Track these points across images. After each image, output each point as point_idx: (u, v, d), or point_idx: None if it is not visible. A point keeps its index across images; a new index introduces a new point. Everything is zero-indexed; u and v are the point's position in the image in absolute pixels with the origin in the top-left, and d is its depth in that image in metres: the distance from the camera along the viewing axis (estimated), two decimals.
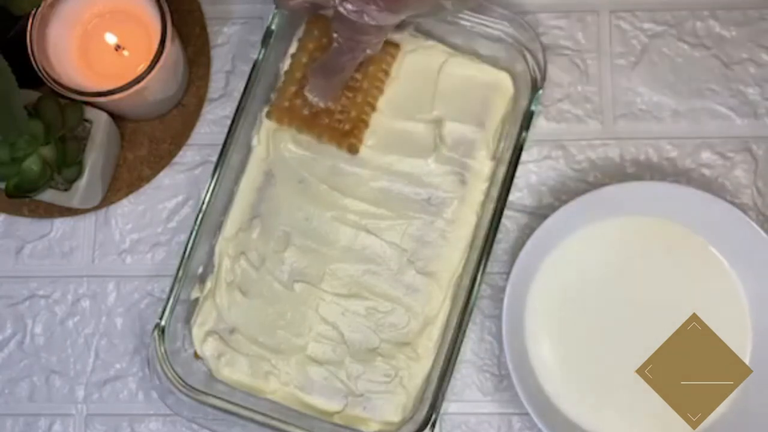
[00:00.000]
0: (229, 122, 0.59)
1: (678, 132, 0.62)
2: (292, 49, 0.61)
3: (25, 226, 0.63)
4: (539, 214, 0.61)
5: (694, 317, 0.58)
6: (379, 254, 0.59)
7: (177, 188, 0.64)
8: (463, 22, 0.60)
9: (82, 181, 0.58)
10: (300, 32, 0.61)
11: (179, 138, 0.64)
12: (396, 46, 0.61)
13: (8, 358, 0.62)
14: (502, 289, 0.57)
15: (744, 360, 0.58)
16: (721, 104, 0.63)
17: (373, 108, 0.60)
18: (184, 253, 0.57)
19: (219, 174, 0.58)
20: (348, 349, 0.58)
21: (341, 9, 0.50)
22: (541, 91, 0.58)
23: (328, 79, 0.58)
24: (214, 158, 0.58)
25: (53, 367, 0.62)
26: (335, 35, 0.55)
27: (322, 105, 0.59)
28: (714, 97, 0.63)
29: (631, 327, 0.59)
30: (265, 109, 0.60)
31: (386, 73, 0.61)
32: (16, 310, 0.63)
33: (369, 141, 0.60)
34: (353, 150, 0.59)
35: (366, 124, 0.60)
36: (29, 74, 0.55)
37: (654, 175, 0.62)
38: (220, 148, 0.58)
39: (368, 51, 0.57)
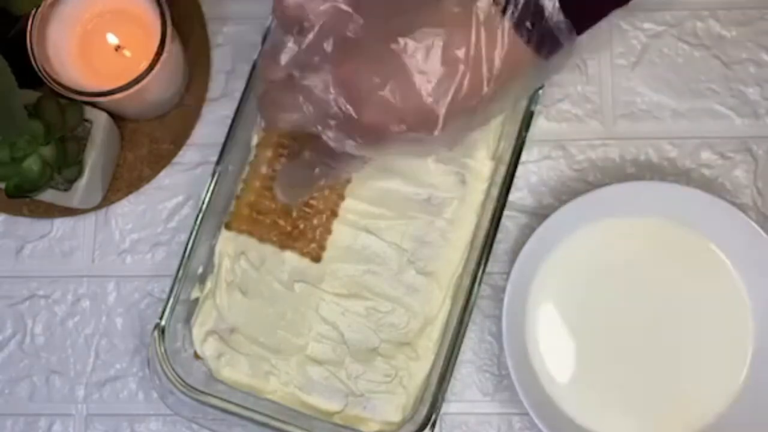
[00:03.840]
0: (229, 122, 0.59)
1: (678, 132, 0.62)
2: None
3: (25, 226, 0.63)
4: (539, 214, 0.61)
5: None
6: (379, 254, 0.59)
7: (177, 188, 0.64)
8: None
9: (82, 181, 0.58)
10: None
11: (179, 138, 0.64)
12: None
13: (8, 358, 0.62)
14: (502, 289, 0.57)
15: (746, 359, 0.58)
16: (721, 104, 0.63)
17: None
18: (184, 253, 0.57)
19: (219, 174, 0.58)
20: (348, 349, 0.58)
21: (323, 136, 0.48)
22: (541, 91, 0.58)
23: (295, 186, 0.56)
24: (214, 158, 0.58)
25: (53, 367, 0.62)
26: (307, 152, 0.52)
27: (289, 203, 0.58)
28: (714, 97, 0.63)
29: (632, 327, 0.59)
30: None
31: None
32: (16, 310, 0.63)
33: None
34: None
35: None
36: (29, 74, 0.55)
37: (654, 175, 0.62)
38: (220, 148, 0.58)
39: (342, 176, 0.56)
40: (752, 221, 0.57)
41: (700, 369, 0.58)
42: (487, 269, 0.57)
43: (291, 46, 0.47)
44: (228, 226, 0.59)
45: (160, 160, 0.63)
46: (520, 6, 0.44)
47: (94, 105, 0.58)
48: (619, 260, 0.59)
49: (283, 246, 0.59)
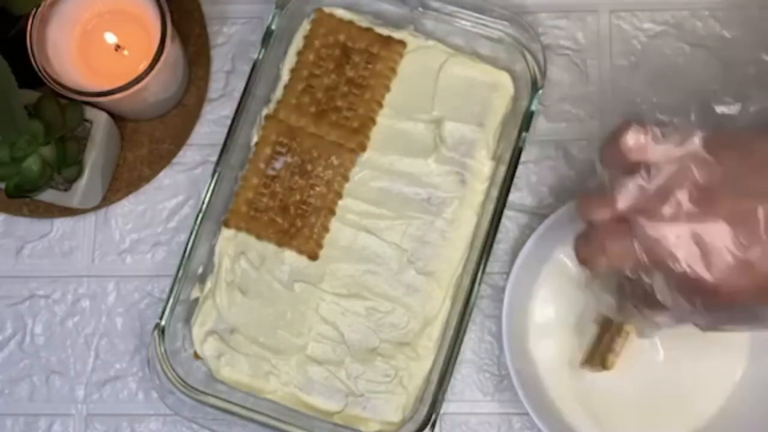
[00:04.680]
0: (229, 122, 0.59)
1: None
2: (299, 47, 0.61)
3: (25, 226, 0.63)
4: (539, 214, 0.61)
5: None
6: (379, 254, 0.59)
7: (177, 188, 0.64)
8: (463, 22, 0.60)
9: (82, 181, 0.58)
10: (305, 30, 0.61)
11: (179, 138, 0.64)
12: (403, 44, 0.61)
13: (8, 358, 0.62)
14: (502, 289, 0.57)
15: (742, 359, 0.58)
16: (720, 104, 0.62)
17: (380, 105, 0.60)
18: (184, 253, 0.57)
19: (219, 174, 0.58)
20: (348, 349, 0.58)
21: (655, 286, 0.43)
22: (541, 91, 0.58)
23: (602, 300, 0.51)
24: (214, 158, 0.58)
25: (53, 367, 0.62)
26: (626, 284, 0.47)
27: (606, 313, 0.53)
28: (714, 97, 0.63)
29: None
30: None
31: (393, 71, 0.61)
32: (16, 310, 0.63)
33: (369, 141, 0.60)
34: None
35: (373, 121, 0.60)
36: (29, 74, 0.55)
37: None
38: (220, 148, 0.58)
39: (645, 326, 0.50)
40: None
41: (699, 368, 0.58)
42: (487, 269, 0.57)
43: (631, 189, 0.44)
44: (226, 223, 0.59)
45: (160, 160, 0.63)
46: None
47: (94, 105, 0.58)
48: None
49: (280, 243, 0.59)
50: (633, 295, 0.47)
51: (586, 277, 0.51)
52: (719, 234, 0.42)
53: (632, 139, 0.44)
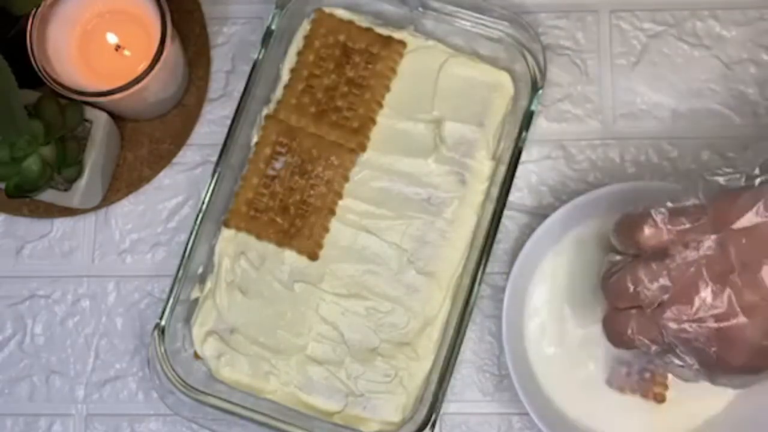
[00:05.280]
0: (229, 122, 0.59)
1: (678, 132, 0.62)
2: (299, 47, 0.61)
3: (25, 226, 0.63)
4: (539, 214, 0.61)
5: None
6: (379, 254, 0.59)
7: (177, 188, 0.64)
8: (463, 22, 0.60)
9: (82, 181, 0.58)
10: (305, 30, 0.61)
11: (179, 138, 0.64)
12: (403, 44, 0.61)
13: (8, 358, 0.62)
14: (502, 289, 0.57)
15: None
16: (721, 104, 0.63)
17: (380, 105, 0.60)
18: (184, 253, 0.57)
19: (219, 174, 0.58)
20: (348, 349, 0.58)
21: (675, 358, 0.48)
22: (541, 91, 0.58)
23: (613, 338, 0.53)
24: (214, 158, 0.58)
25: (53, 367, 0.62)
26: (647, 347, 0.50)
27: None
28: (714, 97, 0.63)
29: None
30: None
31: (393, 71, 0.61)
32: (16, 310, 0.63)
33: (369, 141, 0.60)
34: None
35: (373, 121, 0.60)
36: (29, 74, 0.55)
37: (654, 175, 0.62)
38: (220, 148, 0.58)
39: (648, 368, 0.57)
40: None
41: None
42: (487, 269, 0.57)
43: (654, 288, 0.47)
44: (226, 223, 0.59)
45: (160, 160, 0.63)
46: None
47: (94, 105, 0.58)
48: None
49: (280, 243, 0.59)
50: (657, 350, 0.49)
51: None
52: (741, 328, 0.45)
53: (649, 231, 0.47)
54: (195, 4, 0.65)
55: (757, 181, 0.45)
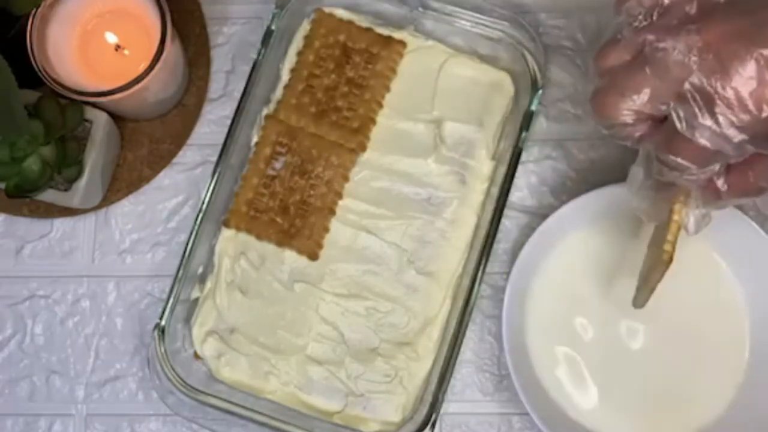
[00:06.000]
0: (229, 122, 0.59)
1: None
2: (299, 47, 0.61)
3: (25, 226, 0.63)
4: (539, 214, 0.61)
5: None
6: (379, 254, 0.59)
7: (177, 188, 0.64)
8: (463, 22, 0.60)
9: (82, 181, 0.58)
10: (305, 30, 0.61)
11: (179, 138, 0.64)
12: (403, 44, 0.61)
13: (8, 358, 0.62)
14: (502, 289, 0.57)
15: (743, 360, 0.58)
16: None
17: (380, 105, 0.60)
18: (184, 253, 0.57)
19: (219, 174, 0.58)
20: (348, 349, 0.58)
21: (673, 115, 0.41)
22: (541, 91, 0.58)
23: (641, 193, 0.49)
24: (214, 158, 0.58)
25: (53, 367, 0.62)
26: (654, 153, 0.45)
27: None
28: None
29: (631, 327, 0.59)
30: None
31: (393, 71, 0.61)
32: (16, 310, 0.63)
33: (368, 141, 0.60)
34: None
35: (373, 121, 0.60)
36: (29, 74, 0.55)
37: None
38: (220, 148, 0.58)
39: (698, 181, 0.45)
40: (752, 221, 0.57)
41: (699, 369, 0.58)
42: (487, 269, 0.57)
43: (641, 19, 0.42)
44: (226, 223, 0.59)
45: (160, 160, 0.63)
46: None
47: (94, 105, 0.58)
48: (618, 260, 0.59)
49: (280, 243, 0.59)
50: (657, 152, 0.44)
51: (632, 178, 0.49)
52: (731, 40, 0.39)
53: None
54: (195, 4, 0.65)
55: None
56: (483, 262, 0.56)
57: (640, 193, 0.49)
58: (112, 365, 0.62)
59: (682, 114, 0.41)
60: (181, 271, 0.57)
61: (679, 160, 0.43)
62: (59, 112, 0.56)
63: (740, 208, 0.58)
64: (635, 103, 0.43)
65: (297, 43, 0.61)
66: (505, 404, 0.60)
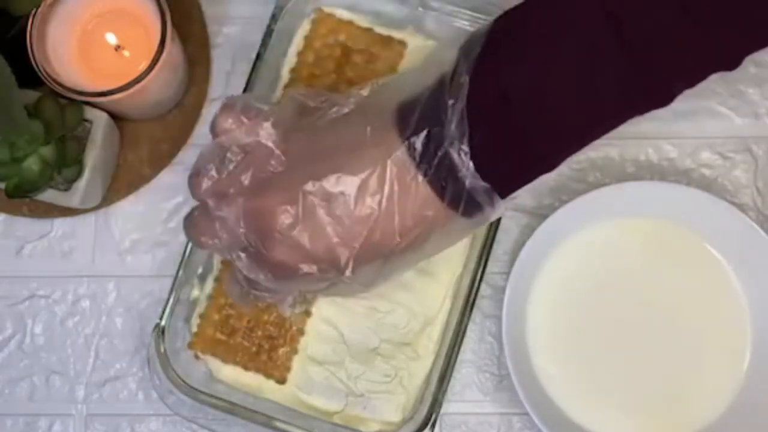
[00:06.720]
0: None
1: (678, 132, 0.62)
2: (299, 47, 0.61)
3: (25, 226, 0.63)
4: (539, 214, 0.61)
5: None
6: None
7: (177, 188, 0.63)
8: (463, 22, 0.60)
9: (82, 181, 0.58)
10: (305, 30, 0.61)
11: (179, 138, 0.64)
12: (403, 44, 0.61)
13: (8, 358, 0.62)
14: (502, 289, 0.57)
15: (744, 360, 0.58)
16: (721, 104, 0.63)
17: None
18: (184, 253, 0.57)
19: None
20: (348, 349, 0.58)
21: (238, 264, 0.48)
22: None
23: (238, 298, 0.54)
24: None
25: (53, 367, 0.62)
26: (239, 273, 0.50)
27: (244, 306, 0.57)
28: (714, 97, 0.63)
29: (631, 327, 0.59)
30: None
31: (393, 71, 0.61)
32: (16, 310, 0.63)
33: None
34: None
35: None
36: (29, 74, 0.55)
37: (654, 175, 0.62)
38: None
39: (281, 299, 0.53)
40: (752, 221, 0.57)
41: (700, 369, 0.58)
42: (487, 269, 0.57)
43: (212, 173, 0.47)
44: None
45: (160, 160, 0.63)
46: (434, 164, 0.43)
47: (94, 105, 0.58)
48: (619, 260, 0.59)
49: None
50: (246, 278, 0.50)
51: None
52: (270, 213, 0.45)
53: (224, 121, 0.48)
54: (195, 4, 0.65)
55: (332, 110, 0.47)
56: (483, 262, 0.56)
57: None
58: (112, 365, 0.62)
59: (243, 266, 0.48)
60: (181, 271, 0.57)
61: (262, 294, 0.51)
62: (59, 112, 0.56)
63: (740, 208, 0.58)
64: (209, 244, 0.48)
65: (297, 43, 0.61)
66: (505, 404, 0.60)
